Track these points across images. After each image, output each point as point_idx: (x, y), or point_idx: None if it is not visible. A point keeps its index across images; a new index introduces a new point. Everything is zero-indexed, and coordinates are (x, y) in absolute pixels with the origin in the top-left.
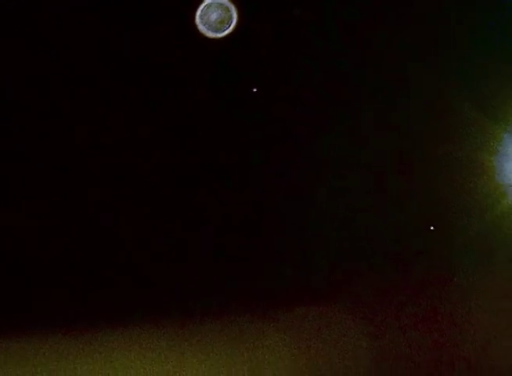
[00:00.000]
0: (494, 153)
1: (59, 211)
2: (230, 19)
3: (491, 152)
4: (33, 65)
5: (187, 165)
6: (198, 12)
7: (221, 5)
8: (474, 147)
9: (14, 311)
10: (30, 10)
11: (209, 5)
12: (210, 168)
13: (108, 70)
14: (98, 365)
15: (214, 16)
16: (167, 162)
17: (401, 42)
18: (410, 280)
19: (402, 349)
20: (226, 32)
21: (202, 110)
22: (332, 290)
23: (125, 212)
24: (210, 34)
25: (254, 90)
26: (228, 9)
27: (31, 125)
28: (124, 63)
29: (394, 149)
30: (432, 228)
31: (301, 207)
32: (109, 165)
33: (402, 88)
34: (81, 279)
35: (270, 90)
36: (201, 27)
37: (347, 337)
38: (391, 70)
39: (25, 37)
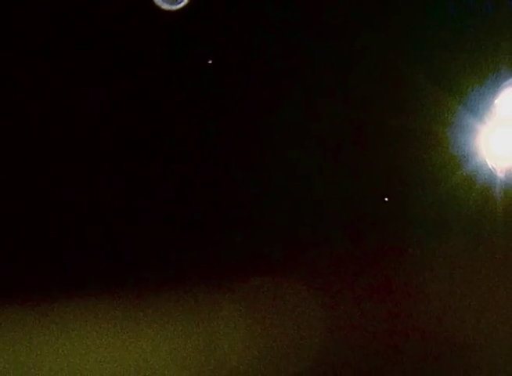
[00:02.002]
0: (448, 125)
1: (10, 178)
2: None
3: (445, 123)
4: None
5: (143, 135)
6: None
7: None
8: (428, 119)
9: None
10: None
11: None
12: (165, 138)
13: (63, 41)
14: (53, 336)
15: None
16: (122, 133)
17: (356, 14)
18: (365, 251)
19: (357, 320)
20: (181, 4)
21: (157, 83)
22: (287, 260)
23: (80, 181)
24: (166, 7)
25: (210, 62)
26: None
27: None
28: (79, 35)
29: (349, 120)
30: (386, 199)
31: (256, 178)
32: (64, 134)
33: (357, 60)
34: (36, 249)
35: (225, 62)
36: (156, 0)
37: (302, 307)
38: (346, 42)
39: None
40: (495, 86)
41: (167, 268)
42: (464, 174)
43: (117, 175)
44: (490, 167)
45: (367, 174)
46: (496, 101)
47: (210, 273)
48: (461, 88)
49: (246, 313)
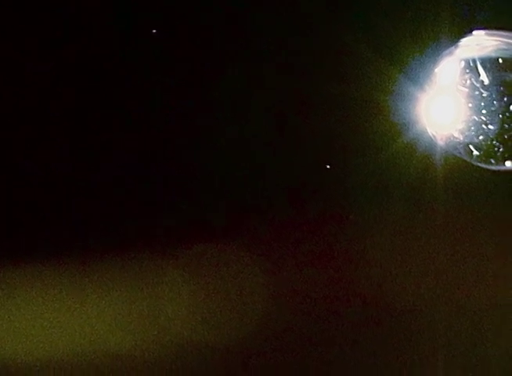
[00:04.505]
0: (389, 93)
1: None
2: None
3: (386, 92)
4: None
5: (87, 106)
6: None
7: None
8: (369, 87)
9: None
10: None
11: None
12: (111, 108)
13: (9, 13)
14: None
15: None
16: (68, 104)
17: None
18: (306, 218)
19: (299, 286)
20: None
21: (101, 53)
22: (230, 227)
23: (25, 148)
24: None
25: (154, 31)
26: None
27: None
28: (25, 8)
29: (291, 88)
30: (328, 166)
31: (199, 145)
32: (8, 105)
33: (298, 28)
34: None
35: (169, 31)
36: None
37: (245, 273)
38: (287, 10)
39: None
40: (436, 55)
41: (111, 234)
42: (405, 141)
43: (64, 142)
44: (430, 135)
45: (309, 141)
46: (436, 70)
47: (154, 240)
48: (402, 56)
49: (190, 279)
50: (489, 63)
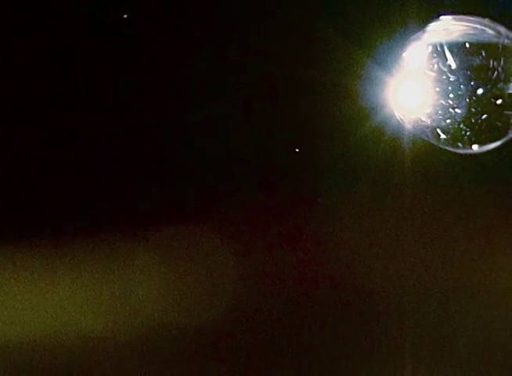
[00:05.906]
0: (357, 78)
1: None
2: None
3: (354, 76)
4: None
5: (58, 90)
6: None
7: None
8: (337, 72)
9: None
10: None
11: None
12: (80, 92)
13: None
14: None
15: None
16: (39, 89)
17: None
18: (276, 201)
19: (268, 267)
20: None
21: (74, 39)
22: (200, 209)
23: None
24: None
25: (125, 16)
26: None
27: None
28: None
29: (260, 72)
30: (297, 150)
31: (170, 128)
32: None
33: (266, 12)
34: None
35: (141, 17)
36: None
37: (215, 255)
38: None
39: None
40: (403, 40)
41: (83, 217)
42: (373, 125)
43: (36, 125)
44: (398, 118)
45: (278, 125)
46: (404, 54)
47: (125, 222)
48: (370, 41)
49: (161, 261)
50: (456, 48)
